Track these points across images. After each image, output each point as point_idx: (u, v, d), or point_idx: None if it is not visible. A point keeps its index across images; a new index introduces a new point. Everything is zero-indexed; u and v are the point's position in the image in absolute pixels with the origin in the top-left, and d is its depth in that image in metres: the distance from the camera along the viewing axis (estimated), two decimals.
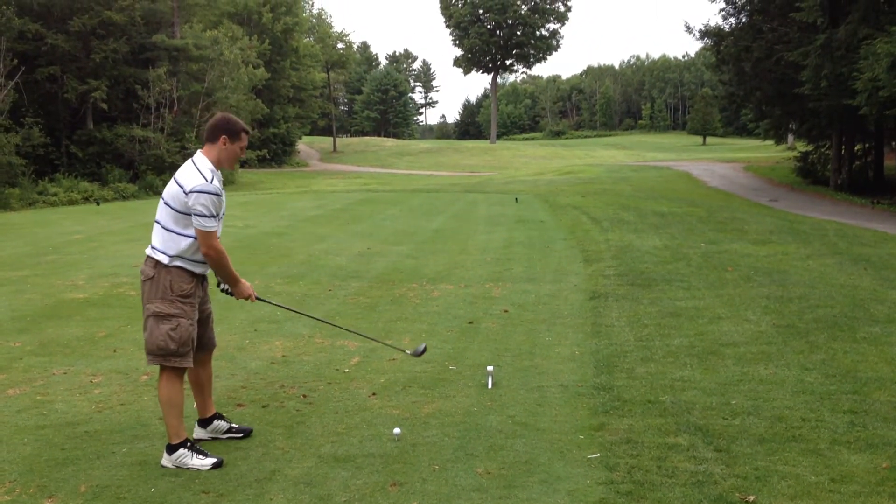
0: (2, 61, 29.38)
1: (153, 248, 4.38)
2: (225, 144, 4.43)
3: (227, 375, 6.05)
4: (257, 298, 4.71)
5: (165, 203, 4.35)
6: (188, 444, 4.37)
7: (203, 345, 4.62)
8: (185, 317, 4.35)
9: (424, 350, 4.67)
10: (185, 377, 4.54)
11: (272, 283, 9.95)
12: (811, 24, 25.60)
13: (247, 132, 4.53)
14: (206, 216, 4.27)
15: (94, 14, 33.14)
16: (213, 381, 4.90)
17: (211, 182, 4.29)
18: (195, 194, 4.24)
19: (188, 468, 4.28)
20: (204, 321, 4.61)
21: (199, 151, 4.48)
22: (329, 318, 8.06)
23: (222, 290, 4.66)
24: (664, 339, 7.03)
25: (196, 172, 4.32)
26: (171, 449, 4.34)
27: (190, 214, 4.28)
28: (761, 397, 5.38)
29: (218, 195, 4.32)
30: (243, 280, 4.61)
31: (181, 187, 4.28)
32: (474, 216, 19.45)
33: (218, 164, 4.44)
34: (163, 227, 4.36)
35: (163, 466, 4.33)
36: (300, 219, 18.88)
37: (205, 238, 4.32)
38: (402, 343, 7.03)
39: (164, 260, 4.32)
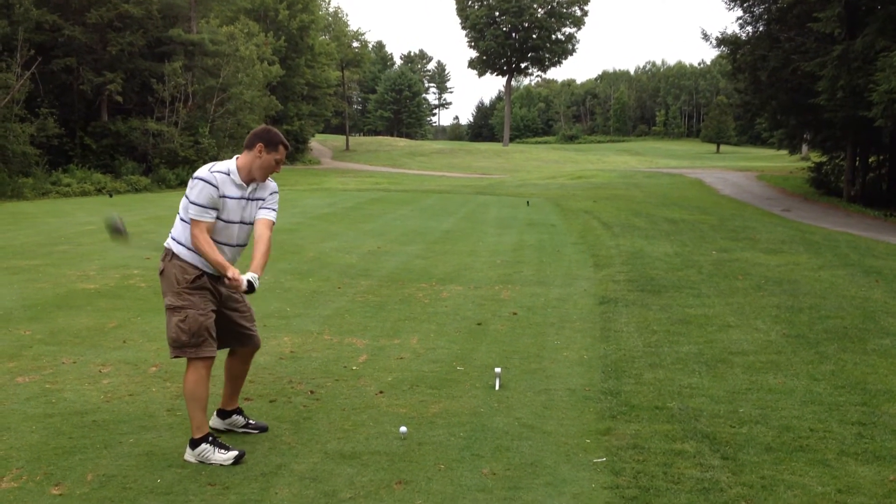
0: (19, 52, 29.52)
1: (171, 236, 4.46)
2: (261, 153, 4.42)
3: None
4: (246, 292, 4.36)
5: (186, 194, 4.43)
6: (210, 438, 4.37)
7: (240, 340, 4.65)
8: (193, 307, 4.33)
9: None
10: (224, 366, 4.65)
11: (282, 279, 9.98)
12: (828, 35, 25.48)
13: (285, 146, 4.51)
14: (194, 204, 4.28)
15: (112, 7, 33.26)
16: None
17: (211, 172, 4.31)
18: (193, 180, 4.31)
19: (211, 463, 4.28)
20: (233, 317, 4.60)
21: (235, 156, 4.53)
22: (338, 316, 8.10)
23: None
24: (673, 345, 7.01)
25: (210, 164, 4.42)
26: (195, 443, 4.34)
27: None
28: (769, 406, 5.36)
29: (213, 186, 4.28)
30: (231, 267, 4.32)
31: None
32: (485, 218, 19.46)
33: (249, 173, 4.41)
34: (179, 217, 4.43)
35: (185, 461, 4.33)
36: (311, 216, 18.94)
37: (192, 225, 4.31)
38: (410, 343, 7.04)
39: (174, 248, 4.38)
